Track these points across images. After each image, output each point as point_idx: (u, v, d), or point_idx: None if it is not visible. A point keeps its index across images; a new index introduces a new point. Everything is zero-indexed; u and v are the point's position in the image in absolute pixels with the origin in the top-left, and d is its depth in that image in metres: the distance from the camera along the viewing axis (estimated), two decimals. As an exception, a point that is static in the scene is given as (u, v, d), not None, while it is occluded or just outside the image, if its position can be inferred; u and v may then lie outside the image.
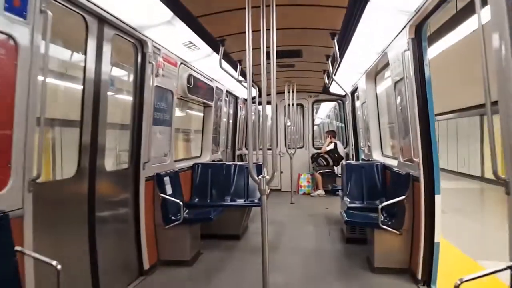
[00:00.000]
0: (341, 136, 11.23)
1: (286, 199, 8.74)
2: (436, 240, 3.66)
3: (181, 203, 4.36)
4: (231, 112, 9.01)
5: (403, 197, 4.01)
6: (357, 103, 7.92)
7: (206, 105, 6.89)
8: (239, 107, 9.32)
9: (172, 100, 4.90)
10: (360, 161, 6.48)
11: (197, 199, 5.73)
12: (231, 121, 9.06)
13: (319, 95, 10.35)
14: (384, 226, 4.04)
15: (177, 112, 8.00)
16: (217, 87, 7.05)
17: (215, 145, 7.56)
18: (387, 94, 6.74)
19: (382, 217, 4.16)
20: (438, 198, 3.66)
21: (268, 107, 13.10)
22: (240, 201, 5.62)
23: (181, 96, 5.46)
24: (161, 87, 4.51)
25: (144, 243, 4.14)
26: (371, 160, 6.27)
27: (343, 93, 9.52)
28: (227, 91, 8.01)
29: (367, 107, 6.67)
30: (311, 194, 9.58)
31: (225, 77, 6.70)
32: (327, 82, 7.21)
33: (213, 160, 7.02)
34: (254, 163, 3.44)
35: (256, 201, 5.55)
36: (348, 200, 5.38)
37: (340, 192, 6.05)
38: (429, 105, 3.71)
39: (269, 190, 3.20)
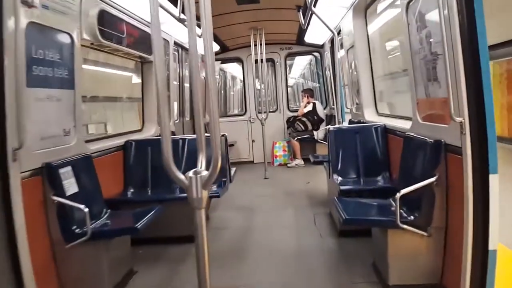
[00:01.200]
0: (319, 95, 9.74)
1: (259, 174, 7.28)
2: (491, 247, 2.28)
3: (85, 210, 2.77)
4: (186, 72, 7.27)
5: (433, 179, 2.57)
6: (339, 54, 6.38)
7: (143, 61, 5.16)
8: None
9: (73, 48, 3.19)
10: (352, 125, 5.02)
11: (131, 192, 4.17)
12: (186, 84, 7.35)
13: (292, 47, 8.69)
14: (405, 226, 2.62)
15: (97, 71, 6.31)
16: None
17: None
18: (385, 32, 5.21)
19: (401, 211, 2.72)
20: (494, 180, 2.24)
21: (232, 66, 11.40)
22: None
23: (92, 44, 3.73)
24: (44, 26, 2.80)
25: (29, 276, 2.56)
26: (367, 122, 4.84)
27: (321, 42, 7.96)
28: (177, 43, 6.26)
29: (356, 53, 5.14)
30: (288, 164, 8.14)
31: (171, 23, 4.99)
32: (303, 23, 5.57)
33: (159, 135, 5.39)
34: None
35: (214, 188, 4.04)
36: (340, 178, 3.95)
37: (326, 167, 4.62)
38: (479, 31, 2.19)
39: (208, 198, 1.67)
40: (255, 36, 7.05)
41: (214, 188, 4.07)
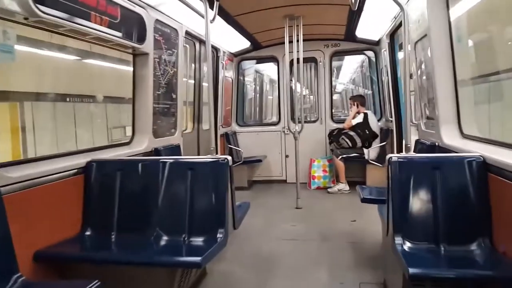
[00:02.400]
0: (371, 104, 8.06)
1: (290, 200, 5.74)
2: None
3: None
4: (205, 69, 5.96)
5: None
6: (401, 54, 4.74)
7: (135, 52, 3.89)
8: (220, 65, 6.24)
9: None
10: (428, 155, 3.27)
11: (88, 236, 2.88)
12: (205, 83, 6.03)
13: (339, 43, 7.09)
14: None
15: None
16: (158, 21, 4.03)
17: (167, 122, 4.56)
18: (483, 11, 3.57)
19: None
20: None
21: (270, 68, 9.80)
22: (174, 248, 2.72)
23: (26, 19, 2.46)
24: None
25: None
26: (445, 147, 3.22)
27: (377, 38, 6.32)
28: (190, 33, 4.97)
29: (431, 46, 3.51)
30: (328, 189, 6.53)
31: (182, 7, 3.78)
32: (353, 1, 4.00)
33: (153, 150, 4.07)
34: None
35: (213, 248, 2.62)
36: (407, 246, 2.38)
37: (383, 213, 3.04)
38: None
39: None
40: (291, 28, 5.55)
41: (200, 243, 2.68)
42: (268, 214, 5.25)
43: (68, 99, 6.82)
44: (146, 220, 2.91)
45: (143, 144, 4.00)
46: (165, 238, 2.86)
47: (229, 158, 2.96)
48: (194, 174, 2.94)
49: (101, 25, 3.06)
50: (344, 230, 4.52)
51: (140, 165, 3.08)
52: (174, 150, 4.47)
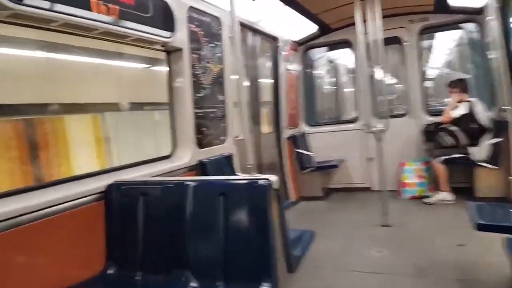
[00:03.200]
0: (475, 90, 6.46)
1: (374, 213, 4.58)
2: None
3: None
4: (262, 63, 5.16)
5: None
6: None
7: (169, 49, 3.23)
8: (280, 56, 5.38)
9: None
10: None
11: (112, 272, 2.37)
12: (263, 80, 5.23)
13: (428, 17, 5.73)
14: None
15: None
16: (193, 8, 3.36)
17: (215, 128, 3.83)
18: None
19: None
20: None
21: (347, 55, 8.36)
22: None
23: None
24: None
25: None
26: None
27: (479, 4, 4.92)
28: (239, 22, 4.22)
29: None
30: (426, 199, 5.21)
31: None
32: None
33: (198, 163, 3.38)
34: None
35: None
36: None
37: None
38: None
39: None
40: (364, 3, 4.45)
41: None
42: (346, 234, 4.26)
43: (145, 108, 6.69)
44: (173, 259, 2.24)
45: (185, 157, 3.36)
46: (195, 285, 2.14)
47: (274, 178, 2.12)
48: (228, 200, 2.16)
49: (108, 14, 2.45)
50: (448, 260, 3.34)
51: (161, 188, 2.41)
52: (224, 161, 3.75)
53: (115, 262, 2.38)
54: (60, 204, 2.16)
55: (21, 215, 1.94)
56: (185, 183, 2.28)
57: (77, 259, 2.24)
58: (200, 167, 3.40)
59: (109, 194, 2.46)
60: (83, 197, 2.31)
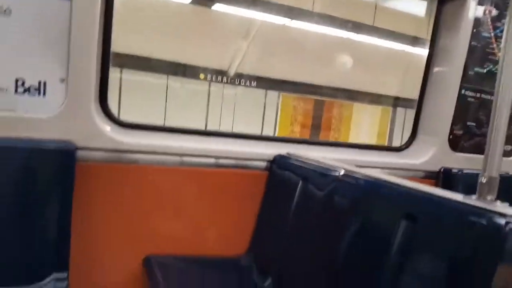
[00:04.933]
0: None
1: None
2: None
3: None
4: None
5: None
6: None
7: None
8: None
9: None
10: None
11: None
12: None
13: None
14: None
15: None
16: None
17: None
18: None
19: None
20: None
21: None
22: None
23: None
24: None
25: None
26: None
27: None
28: None
29: None
30: None
31: None
32: None
33: (441, 171, 2.27)
34: None
35: None
36: None
37: None
38: None
39: None
40: None
41: None
42: None
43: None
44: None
45: (424, 155, 2.34)
46: None
47: None
48: None
49: None
50: None
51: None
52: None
53: (251, 251, 1.90)
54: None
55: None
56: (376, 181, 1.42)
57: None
58: (443, 178, 2.30)
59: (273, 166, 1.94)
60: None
